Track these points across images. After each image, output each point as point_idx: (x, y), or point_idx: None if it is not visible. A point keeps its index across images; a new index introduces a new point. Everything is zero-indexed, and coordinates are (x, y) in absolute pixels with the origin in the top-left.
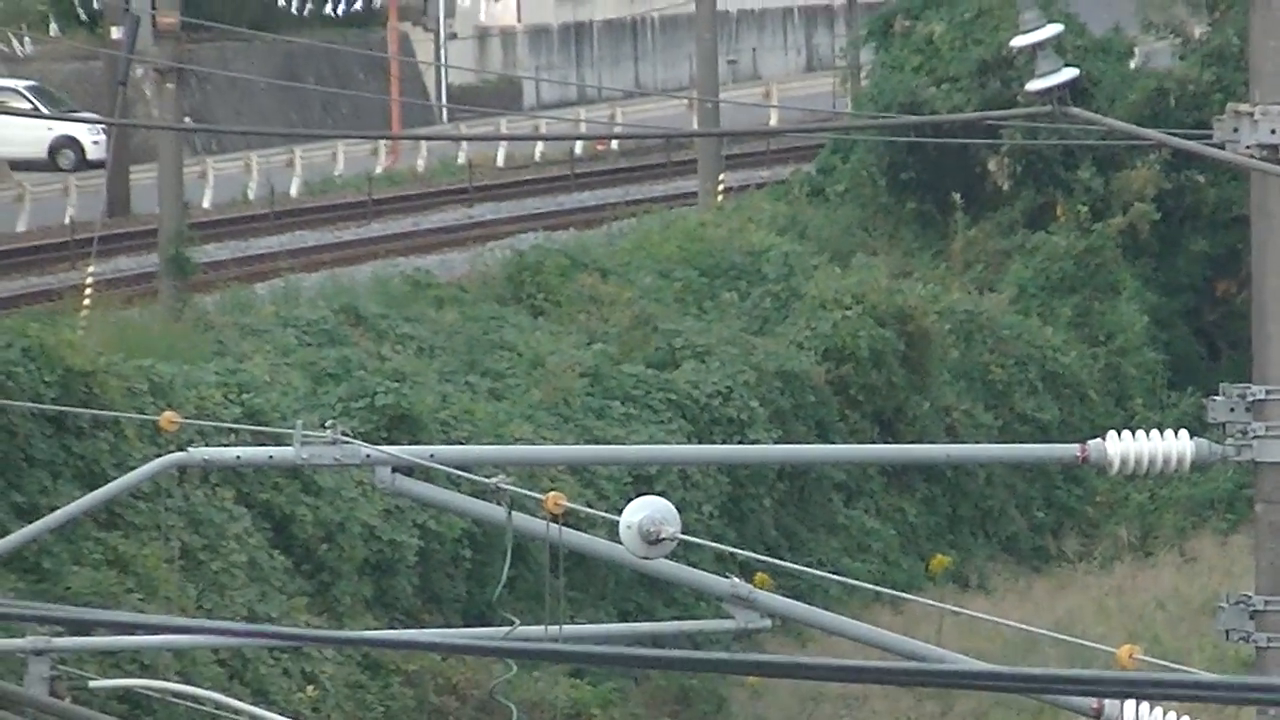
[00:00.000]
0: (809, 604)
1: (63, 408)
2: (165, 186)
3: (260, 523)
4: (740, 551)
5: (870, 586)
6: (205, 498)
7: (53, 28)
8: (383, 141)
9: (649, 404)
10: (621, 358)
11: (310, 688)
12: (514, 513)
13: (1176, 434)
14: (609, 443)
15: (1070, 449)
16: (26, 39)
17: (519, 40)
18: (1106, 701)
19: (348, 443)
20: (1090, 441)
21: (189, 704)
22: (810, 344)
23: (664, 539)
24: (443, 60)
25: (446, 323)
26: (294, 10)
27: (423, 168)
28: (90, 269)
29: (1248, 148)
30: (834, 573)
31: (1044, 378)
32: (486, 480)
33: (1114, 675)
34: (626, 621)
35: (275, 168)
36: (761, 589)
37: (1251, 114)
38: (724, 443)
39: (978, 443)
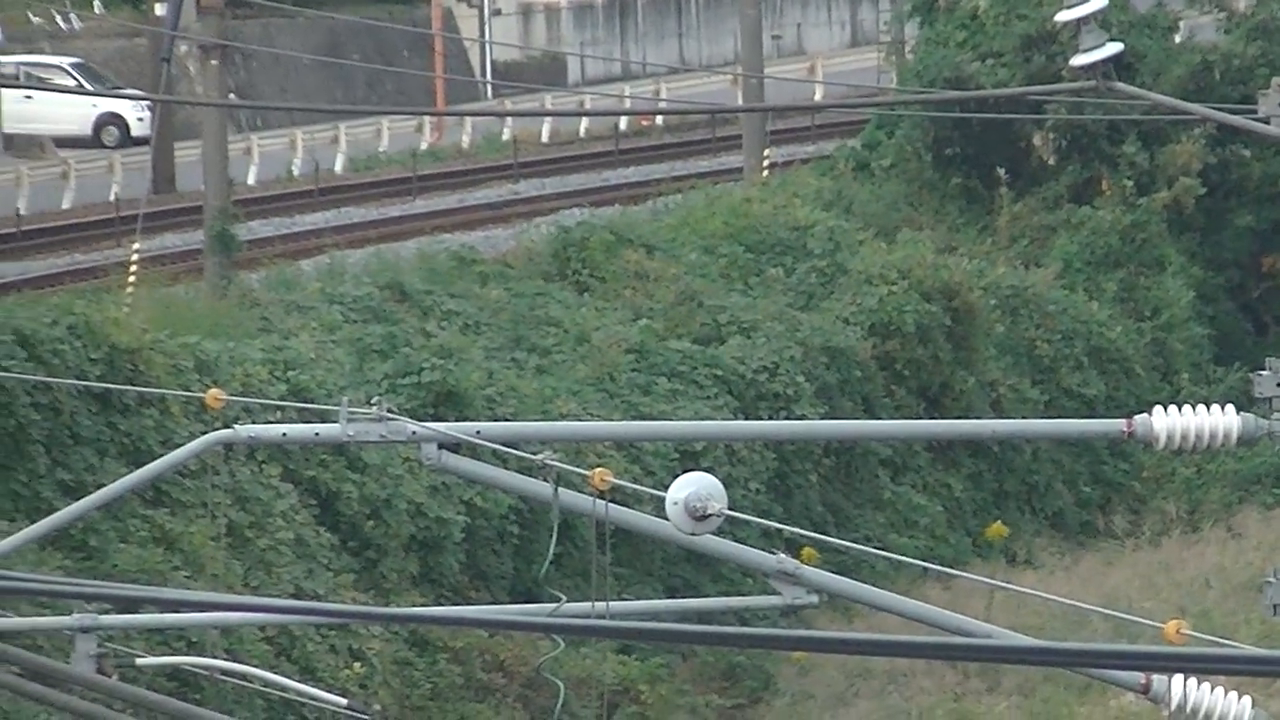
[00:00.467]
0: (855, 580)
1: (108, 385)
2: (210, 163)
3: (306, 500)
4: (786, 527)
5: (917, 562)
6: (251, 475)
7: (97, 5)
8: (427, 118)
9: (695, 380)
10: (667, 334)
11: (357, 664)
12: (560, 489)
13: (1223, 409)
14: (655, 419)
15: (1116, 424)
16: (72, 15)
17: (563, 16)
18: (1154, 676)
19: (393, 419)
20: (1136, 416)
21: (236, 681)
22: (856, 319)
23: (710, 515)
24: (487, 36)
25: (492, 299)
26: None
27: (467, 144)
28: (135, 246)
29: None
30: (880, 548)
31: (1090, 353)
32: (533, 456)
33: (1162, 650)
34: (673, 598)
35: (320, 144)
36: (809, 564)
37: None
38: (770, 418)
39: (1024, 418)
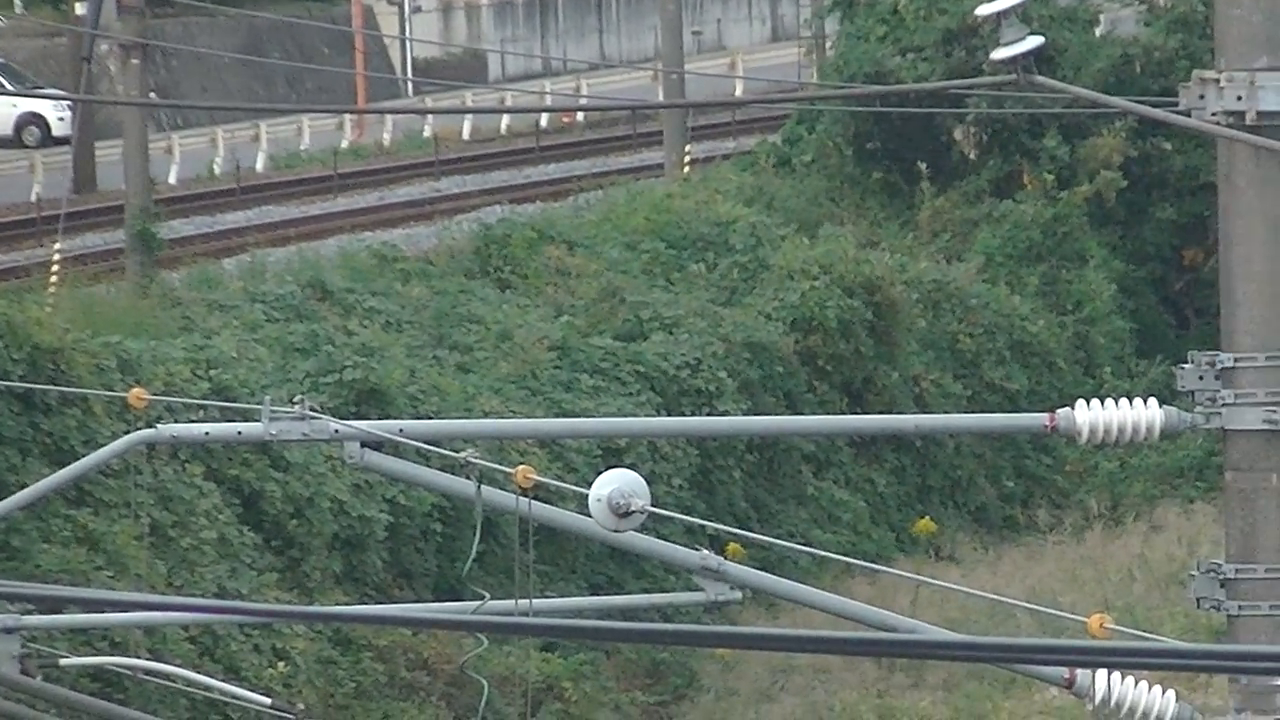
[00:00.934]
0: (780, 576)
1: (30, 385)
2: (131, 162)
3: (230, 499)
4: (710, 524)
5: (840, 558)
6: (174, 474)
7: (16, 4)
8: (348, 116)
9: (617, 376)
10: (589, 330)
11: (281, 664)
12: (483, 487)
13: (1146, 402)
14: (578, 415)
15: (1039, 418)
16: None
17: (483, 13)
18: (1079, 671)
19: (316, 418)
20: (1059, 410)
21: (160, 681)
22: (778, 315)
23: (633, 512)
24: (407, 33)
25: (414, 297)
26: None
27: (388, 142)
28: (57, 245)
29: (1213, 115)
30: (804, 544)
31: (1012, 346)
32: (456, 454)
33: (1086, 644)
34: (597, 595)
35: (241, 143)
36: (734, 559)
37: (1217, 80)
38: (693, 414)
39: (946, 412)
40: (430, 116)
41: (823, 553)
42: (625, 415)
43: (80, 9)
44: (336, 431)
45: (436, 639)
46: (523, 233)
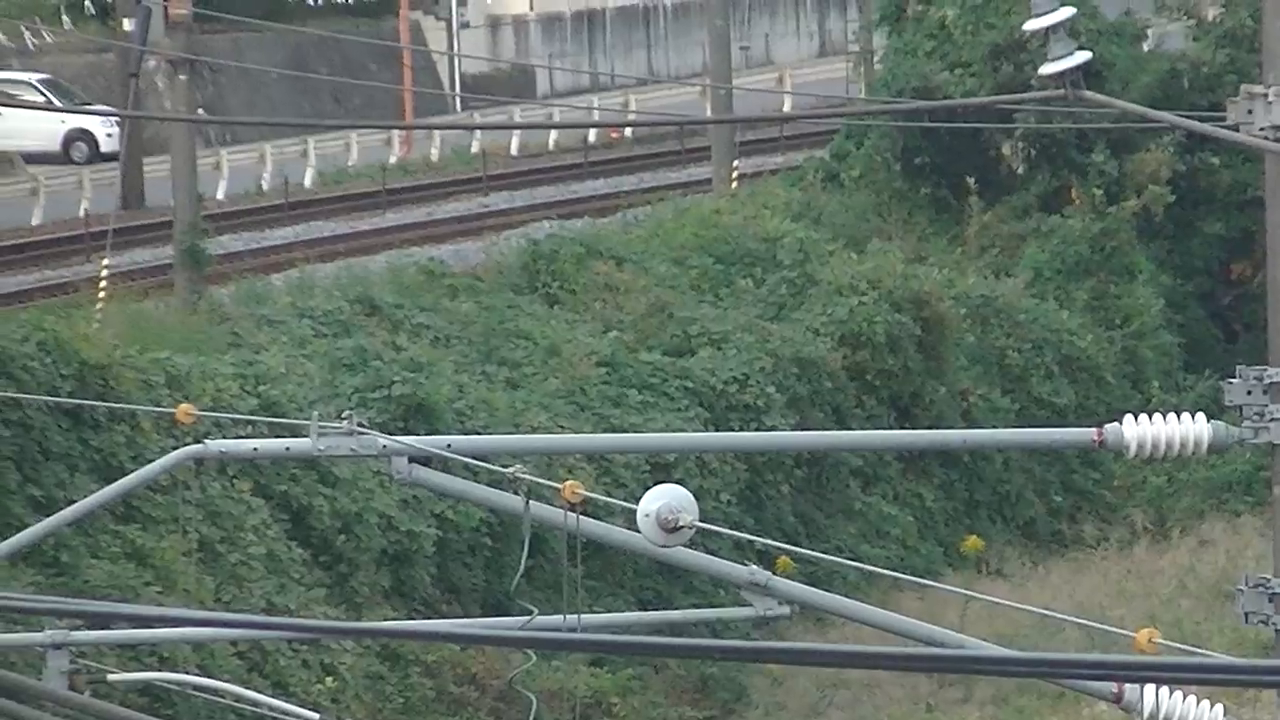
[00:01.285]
0: (828, 591)
1: (79, 401)
2: (179, 178)
3: (278, 514)
4: (758, 539)
5: (888, 573)
6: (222, 490)
7: (65, 20)
8: (396, 131)
9: (665, 392)
10: (637, 345)
11: (329, 679)
12: (531, 502)
13: (1193, 417)
14: (626, 431)
15: (1086, 433)
16: (41, 31)
17: (531, 28)
18: (1126, 686)
19: (364, 433)
20: (1106, 425)
21: (208, 696)
22: (826, 330)
23: (682, 527)
24: (455, 49)
25: (462, 312)
26: (306, 0)
27: (436, 157)
28: (105, 262)
29: (1261, 129)
30: (852, 559)
31: (1060, 361)
32: (504, 470)
33: (1134, 659)
34: (645, 610)
35: (289, 159)
36: (783, 573)
37: (1265, 95)
38: (741, 430)
39: (994, 427)
40: (478, 132)
41: (871, 568)
42: (673, 430)
43: (128, 25)
44: (384, 447)
45: (484, 654)
46: (571, 248)
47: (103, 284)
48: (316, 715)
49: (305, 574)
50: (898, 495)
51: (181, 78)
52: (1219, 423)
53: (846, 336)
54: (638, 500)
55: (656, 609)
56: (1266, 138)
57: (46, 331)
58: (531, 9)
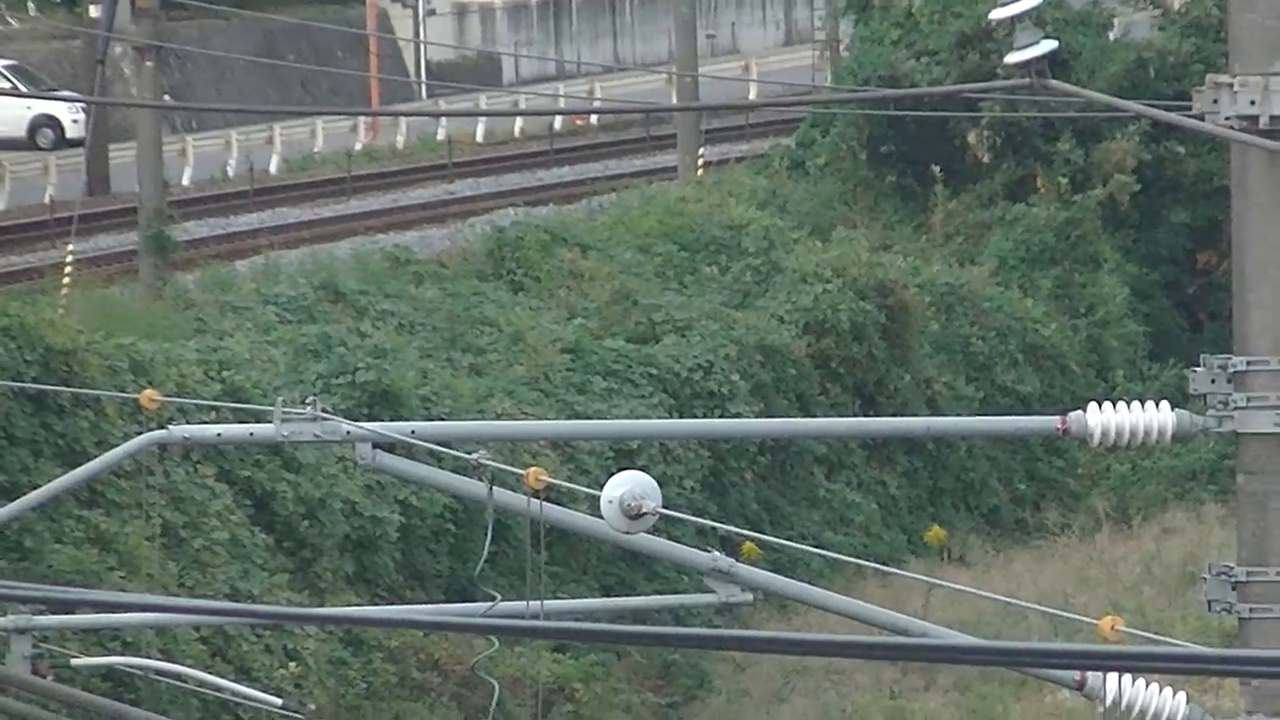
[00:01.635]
0: (791, 578)
1: (43, 386)
2: (145, 165)
3: (241, 500)
4: (722, 526)
5: (852, 560)
6: (186, 475)
7: (31, 7)
8: (362, 118)
9: (630, 378)
10: (602, 333)
11: (292, 664)
12: (495, 488)
13: (1158, 405)
14: (590, 417)
15: (1051, 421)
16: (6, 17)
17: (498, 15)
18: (1090, 674)
19: (328, 419)
20: (1071, 413)
21: (172, 681)
22: (791, 317)
23: (645, 514)
24: (421, 36)
25: (427, 299)
26: None
27: (402, 144)
28: (70, 247)
29: (1227, 119)
30: (816, 546)
31: (1025, 350)
32: (467, 456)
33: (1097, 647)
34: (608, 596)
35: (255, 145)
36: (749, 559)
37: (1231, 85)
38: (705, 416)
39: (959, 415)
40: (444, 119)
41: (834, 555)
42: (637, 417)
43: (95, 11)
44: (349, 433)
45: (448, 640)
46: (536, 235)
47: (68, 270)
48: (279, 700)
49: (269, 559)
50: (862, 483)
51: (148, 64)
52: (1183, 411)
53: (811, 324)
54: (601, 487)
55: (620, 595)
56: (1232, 127)
57: (11, 317)
58: None
